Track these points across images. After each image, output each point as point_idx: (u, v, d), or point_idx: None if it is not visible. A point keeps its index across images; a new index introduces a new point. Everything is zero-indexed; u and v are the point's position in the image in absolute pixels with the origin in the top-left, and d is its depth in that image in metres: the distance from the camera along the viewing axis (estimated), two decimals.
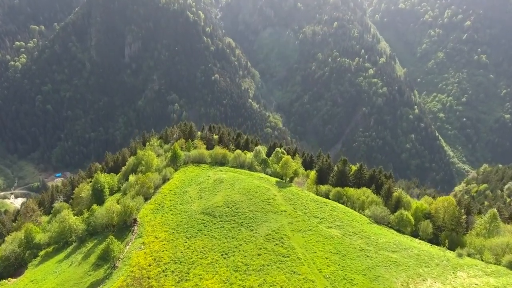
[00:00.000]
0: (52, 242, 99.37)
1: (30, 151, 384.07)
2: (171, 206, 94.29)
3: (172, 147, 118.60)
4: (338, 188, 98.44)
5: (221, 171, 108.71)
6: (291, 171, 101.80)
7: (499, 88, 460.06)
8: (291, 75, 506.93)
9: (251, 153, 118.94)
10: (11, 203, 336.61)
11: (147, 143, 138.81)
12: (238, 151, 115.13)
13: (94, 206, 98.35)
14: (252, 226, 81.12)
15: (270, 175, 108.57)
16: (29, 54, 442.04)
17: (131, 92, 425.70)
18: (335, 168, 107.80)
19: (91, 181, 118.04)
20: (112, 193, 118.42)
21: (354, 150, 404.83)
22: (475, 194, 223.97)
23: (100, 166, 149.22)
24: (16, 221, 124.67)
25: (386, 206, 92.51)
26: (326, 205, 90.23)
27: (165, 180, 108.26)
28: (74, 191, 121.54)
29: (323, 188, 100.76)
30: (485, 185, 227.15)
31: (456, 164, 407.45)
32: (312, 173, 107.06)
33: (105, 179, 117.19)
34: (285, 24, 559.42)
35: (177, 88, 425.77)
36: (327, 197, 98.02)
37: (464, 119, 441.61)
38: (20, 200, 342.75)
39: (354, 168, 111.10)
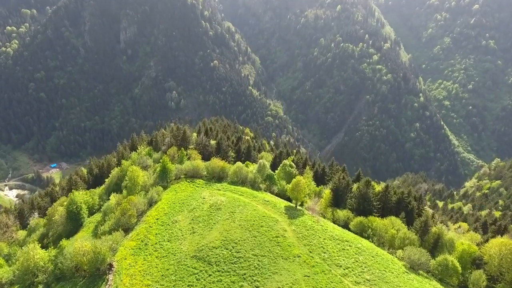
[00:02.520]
0: (16, 281, 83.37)
1: (24, 141, 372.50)
2: (156, 243, 77.16)
3: (161, 160, 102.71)
4: (361, 218, 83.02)
5: (219, 190, 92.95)
6: (303, 195, 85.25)
7: (507, 75, 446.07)
8: (293, 61, 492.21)
9: (254, 165, 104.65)
10: (5, 195, 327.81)
11: (134, 152, 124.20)
12: (239, 164, 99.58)
13: (63, 241, 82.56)
14: (258, 281, 63.61)
15: (277, 195, 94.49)
16: (20, 40, 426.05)
17: (127, 79, 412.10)
18: (355, 188, 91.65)
19: (68, 198, 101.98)
20: (92, 212, 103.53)
21: (357, 139, 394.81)
22: (487, 191, 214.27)
23: (86, 170, 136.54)
24: None
25: (422, 245, 78.18)
26: (350, 246, 72.42)
27: (151, 203, 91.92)
28: (48, 210, 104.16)
29: (341, 214, 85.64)
30: (498, 181, 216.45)
31: (461, 154, 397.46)
32: (327, 193, 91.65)
33: (83, 198, 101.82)
34: (287, 8, 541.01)
35: (175, 75, 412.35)
36: (347, 227, 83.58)
37: (470, 107, 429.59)
38: (14, 192, 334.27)
39: (377, 188, 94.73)
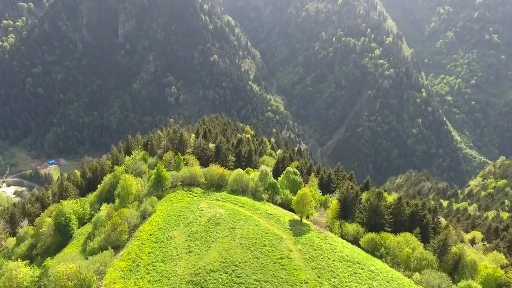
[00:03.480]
0: None
1: (22, 137, 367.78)
2: (149, 264, 70.08)
3: (156, 167, 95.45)
4: (373, 235, 76.94)
5: (218, 200, 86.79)
6: (309, 208, 78.47)
7: (510, 69, 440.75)
8: (293, 55, 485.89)
9: (255, 171, 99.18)
10: (3, 192, 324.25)
11: (127, 157, 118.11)
12: (240, 171, 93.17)
13: (48, 261, 76.15)
14: None
15: (280, 205, 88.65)
16: (17, 34, 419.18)
17: (126, 74, 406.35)
18: (364, 198, 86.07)
19: (57, 206, 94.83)
20: (83, 223, 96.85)
21: (358, 135, 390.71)
22: (492, 190, 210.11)
23: (79, 173, 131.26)
24: None
25: (441, 266, 72.82)
26: (362, 269, 65.78)
27: (145, 216, 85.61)
28: (36, 220, 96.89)
29: (350, 228, 79.94)
30: (504, 180, 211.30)
31: (463, 150, 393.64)
32: (334, 203, 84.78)
33: (73, 207, 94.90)
34: (287, 1, 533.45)
35: (174, 69, 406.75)
36: (356, 243, 78.05)
37: (473, 102, 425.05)
38: (12, 189, 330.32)
39: (389, 199, 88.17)
